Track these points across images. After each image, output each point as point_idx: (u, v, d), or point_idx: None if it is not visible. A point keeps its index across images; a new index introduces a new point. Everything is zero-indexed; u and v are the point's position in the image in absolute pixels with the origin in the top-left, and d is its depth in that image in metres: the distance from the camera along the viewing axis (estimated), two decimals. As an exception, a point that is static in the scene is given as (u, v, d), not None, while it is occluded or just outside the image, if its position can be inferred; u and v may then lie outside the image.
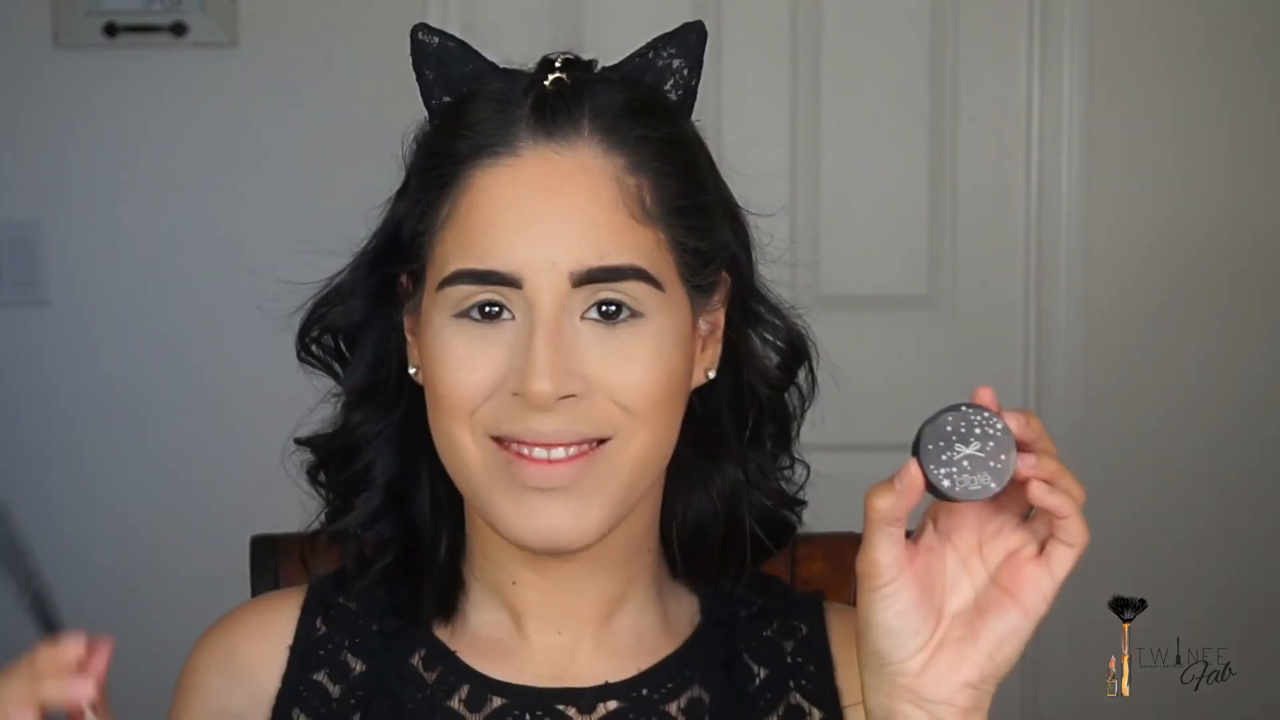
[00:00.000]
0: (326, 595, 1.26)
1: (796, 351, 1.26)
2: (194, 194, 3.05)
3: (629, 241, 1.13)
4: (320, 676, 1.24)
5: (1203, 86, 3.06)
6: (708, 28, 1.20)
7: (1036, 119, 3.06)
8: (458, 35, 1.21)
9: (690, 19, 1.21)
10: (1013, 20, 3.06)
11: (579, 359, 1.12)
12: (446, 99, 1.19)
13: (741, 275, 1.22)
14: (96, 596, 3.09)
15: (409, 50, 1.21)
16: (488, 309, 1.13)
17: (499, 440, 1.14)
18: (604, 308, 1.13)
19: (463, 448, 1.15)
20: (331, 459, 1.24)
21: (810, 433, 1.30)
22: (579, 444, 1.14)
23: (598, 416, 1.13)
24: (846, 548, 1.49)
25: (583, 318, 1.13)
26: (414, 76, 1.22)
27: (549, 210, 1.12)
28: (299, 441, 1.26)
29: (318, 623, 1.25)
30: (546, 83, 1.15)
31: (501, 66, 1.20)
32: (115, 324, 3.06)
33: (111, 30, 3.01)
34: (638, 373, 1.13)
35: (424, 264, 1.16)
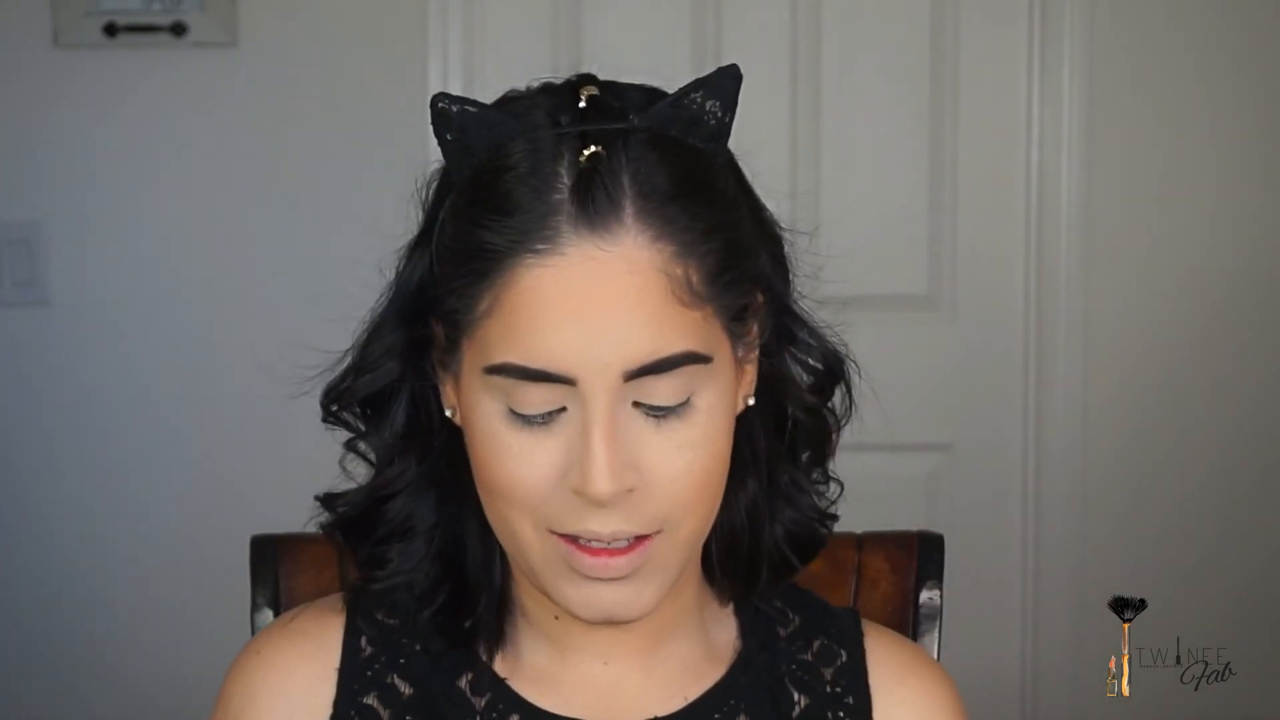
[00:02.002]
0: (369, 615, 1.25)
1: (832, 372, 1.24)
2: (194, 193, 3.05)
3: (680, 329, 1.11)
4: (370, 700, 1.23)
5: (1203, 86, 3.06)
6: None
7: (1036, 119, 3.06)
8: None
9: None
10: (1013, 20, 3.06)
11: (634, 449, 1.11)
12: (468, 162, 1.14)
13: (776, 296, 1.21)
14: (95, 596, 3.09)
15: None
16: (544, 418, 1.12)
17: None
18: (652, 407, 1.12)
19: (522, 537, 1.14)
20: (362, 514, 1.22)
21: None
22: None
23: (650, 513, 1.12)
24: (846, 547, 1.49)
25: (634, 404, 1.11)
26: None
27: (598, 313, 1.09)
28: (325, 500, 1.24)
29: (362, 642, 1.24)
30: (582, 158, 1.11)
31: (519, 96, 1.16)
32: (115, 324, 3.06)
33: (111, 30, 3.01)
34: (687, 459, 1.12)
35: (460, 333, 1.14)
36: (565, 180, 1.10)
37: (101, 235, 3.05)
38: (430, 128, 1.16)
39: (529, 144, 1.12)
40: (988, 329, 3.11)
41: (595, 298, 1.09)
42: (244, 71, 3.04)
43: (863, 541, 1.49)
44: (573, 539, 1.12)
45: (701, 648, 1.25)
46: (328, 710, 1.22)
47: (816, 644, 1.27)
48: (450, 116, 1.13)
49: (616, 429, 1.10)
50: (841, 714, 1.25)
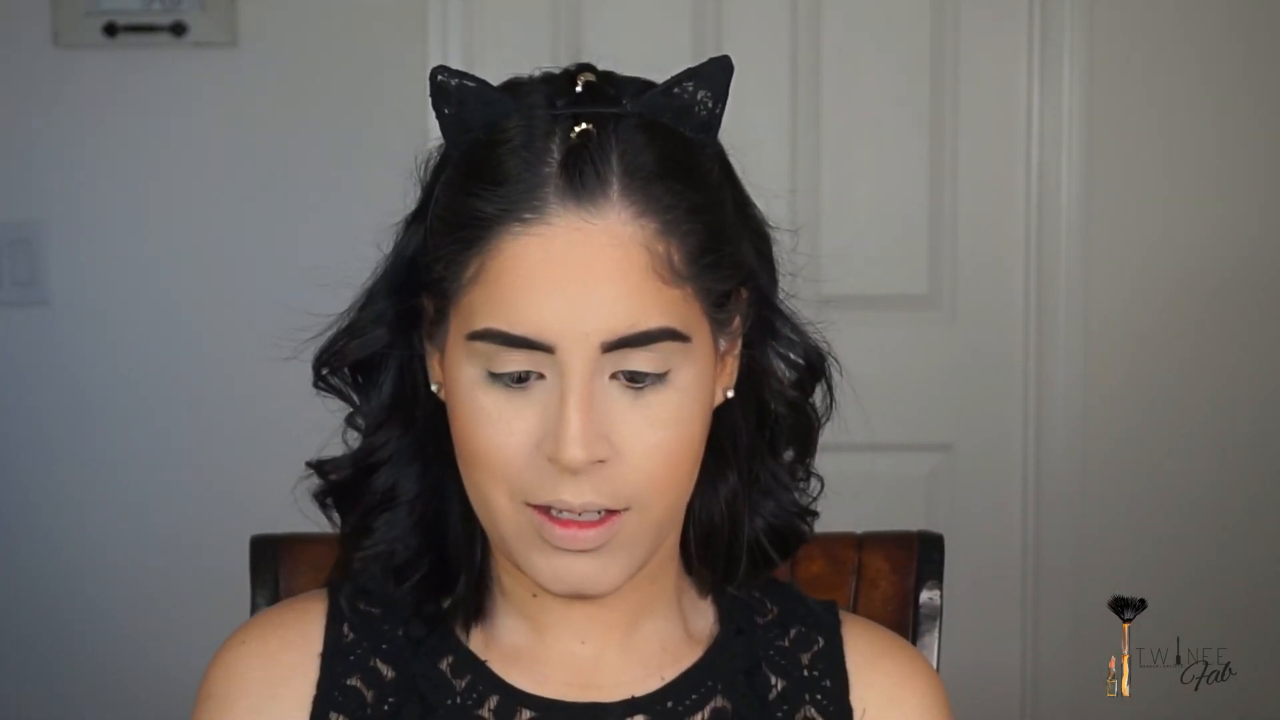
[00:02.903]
0: (351, 602, 1.27)
1: (813, 369, 1.26)
2: (193, 194, 3.05)
3: (659, 305, 1.14)
4: (354, 681, 1.25)
5: (1203, 85, 3.06)
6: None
7: (1036, 119, 3.06)
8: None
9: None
10: (1013, 20, 3.06)
11: (608, 422, 1.14)
12: (464, 137, 1.18)
13: (761, 291, 1.23)
14: (94, 596, 3.09)
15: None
16: (521, 377, 1.14)
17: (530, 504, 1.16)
18: (631, 373, 1.14)
19: (497, 507, 1.17)
20: (350, 481, 1.25)
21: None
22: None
23: (621, 489, 1.15)
24: (846, 547, 1.49)
25: (611, 376, 1.14)
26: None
27: (580, 283, 1.12)
28: (315, 465, 1.27)
29: (345, 629, 1.26)
30: (573, 134, 1.14)
31: (520, 81, 1.19)
32: (115, 324, 3.06)
33: (111, 30, 3.01)
34: (659, 437, 1.15)
35: (448, 303, 1.17)
36: (556, 155, 1.14)
37: (101, 235, 3.05)
38: (431, 123, 1.18)
39: (524, 120, 1.16)
40: (988, 329, 3.11)
41: (577, 268, 1.12)
42: (244, 71, 3.04)
43: (863, 541, 1.50)
44: (545, 510, 1.15)
45: (680, 631, 1.27)
46: (312, 691, 1.24)
47: (793, 631, 1.29)
48: (449, 91, 1.17)
49: (592, 399, 1.13)
50: (819, 696, 1.26)
